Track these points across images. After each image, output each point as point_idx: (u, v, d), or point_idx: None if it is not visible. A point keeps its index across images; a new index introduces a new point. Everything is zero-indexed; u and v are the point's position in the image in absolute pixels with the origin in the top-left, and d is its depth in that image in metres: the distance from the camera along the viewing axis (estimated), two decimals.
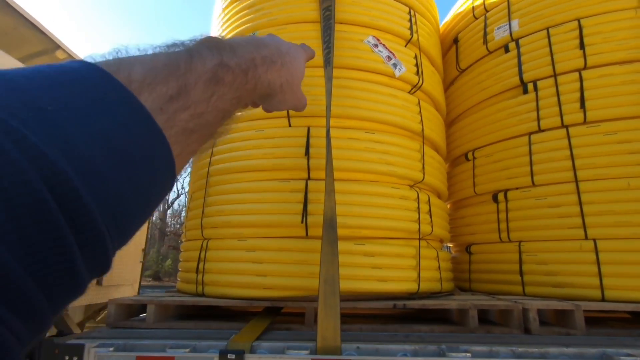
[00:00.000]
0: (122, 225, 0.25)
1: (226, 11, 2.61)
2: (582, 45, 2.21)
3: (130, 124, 0.25)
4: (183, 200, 24.58)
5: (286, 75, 0.46)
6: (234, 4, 2.55)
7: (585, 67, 2.19)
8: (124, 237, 0.26)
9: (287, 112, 2.08)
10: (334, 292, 1.57)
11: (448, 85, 3.07)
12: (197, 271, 2.06)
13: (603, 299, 1.91)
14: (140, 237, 3.76)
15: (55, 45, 3.65)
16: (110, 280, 3.23)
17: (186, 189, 24.79)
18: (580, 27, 2.23)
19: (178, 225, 23.98)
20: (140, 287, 3.90)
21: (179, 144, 0.30)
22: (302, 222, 1.89)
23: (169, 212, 24.52)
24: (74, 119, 0.22)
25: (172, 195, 24.90)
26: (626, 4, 2.19)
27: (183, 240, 2.48)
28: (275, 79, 0.43)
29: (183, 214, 24.19)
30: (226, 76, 0.35)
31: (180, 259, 2.39)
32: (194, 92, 0.31)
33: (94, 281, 3.10)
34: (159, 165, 0.27)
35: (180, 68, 0.31)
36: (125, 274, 3.46)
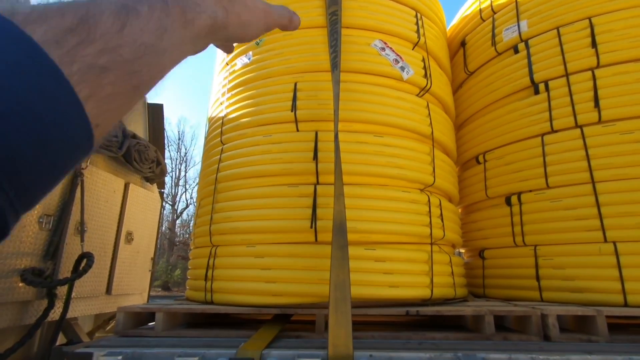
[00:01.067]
0: (21, 182, 0.21)
1: None
2: (594, 44, 2.16)
3: (13, 59, 0.21)
4: (192, 210, 24.74)
5: None
6: None
7: (598, 66, 2.15)
8: (26, 198, 0.22)
9: (295, 116, 2.07)
10: (344, 298, 1.53)
11: (456, 88, 3.04)
12: (205, 278, 2.04)
13: (625, 304, 1.83)
14: (149, 246, 3.77)
15: None
16: (120, 289, 3.23)
17: (195, 200, 24.97)
18: (591, 26, 2.19)
19: (187, 235, 24.10)
20: (150, 296, 3.89)
21: (86, 83, 0.25)
22: (311, 227, 1.86)
23: (177, 222, 24.68)
24: None
25: (181, 205, 25.08)
26: (638, 1, 2.15)
27: (192, 247, 2.46)
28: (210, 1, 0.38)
29: (192, 223, 24.34)
30: (139, 6, 0.31)
31: (189, 267, 2.38)
32: (100, 24, 0.27)
33: (104, 290, 3.10)
34: (59, 106, 0.23)
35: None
36: (134, 283, 3.45)
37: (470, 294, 2.56)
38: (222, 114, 2.41)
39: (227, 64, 2.57)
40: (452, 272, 2.13)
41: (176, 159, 26.22)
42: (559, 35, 2.29)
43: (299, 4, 2.32)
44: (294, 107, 2.08)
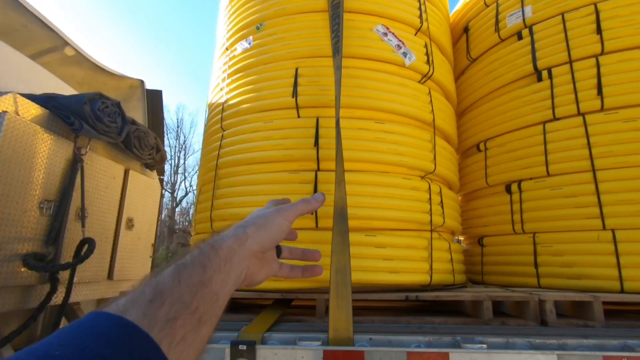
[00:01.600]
0: None
1: (233, 2, 2.59)
2: (599, 30, 2.14)
3: (122, 341, 0.31)
4: (191, 198, 24.78)
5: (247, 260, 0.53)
6: None
7: (602, 53, 2.13)
8: None
9: (296, 102, 2.06)
10: (345, 282, 1.54)
11: (458, 75, 3.01)
12: None
13: (622, 291, 1.86)
14: (150, 233, 3.78)
15: (64, 42, 3.67)
16: (121, 274, 3.25)
17: (194, 187, 24.98)
18: (597, 12, 2.16)
19: (186, 223, 24.19)
20: None
21: (165, 335, 0.35)
22: (312, 213, 1.87)
23: (177, 209, 24.75)
24: None
25: (180, 193, 25.10)
26: None
27: (192, 233, 2.48)
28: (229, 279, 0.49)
29: (191, 211, 24.40)
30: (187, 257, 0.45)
31: None
32: (166, 283, 0.39)
33: (105, 275, 3.12)
34: None
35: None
36: (136, 268, 3.48)
37: (469, 280, 2.59)
38: (222, 100, 2.39)
39: (227, 49, 2.54)
40: (451, 259, 2.15)
41: (175, 147, 26.12)
42: (564, 21, 2.26)
43: None
44: (295, 93, 2.07)
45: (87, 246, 2.57)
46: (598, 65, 2.10)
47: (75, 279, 2.66)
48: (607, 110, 2.06)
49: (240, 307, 2.17)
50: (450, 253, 2.16)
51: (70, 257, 2.64)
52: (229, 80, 2.39)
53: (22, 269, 2.24)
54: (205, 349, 0.41)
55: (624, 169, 1.96)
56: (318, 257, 0.75)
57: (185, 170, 26.14)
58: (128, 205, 3.43)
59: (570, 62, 2.20)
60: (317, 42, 2.16)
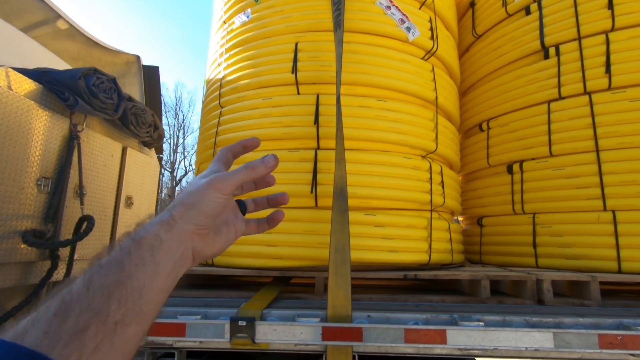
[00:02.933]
0: None
1: None
2: (610, 5, 2.06)
3: None
4: (191, 177, 24.76)
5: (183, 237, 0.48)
6: None
7: (612, 29, 2.06)
8: None
9: (296, 78, 2.00)
10: (344, 260, 1.54)
11: (463, 52, 2.93)
12: None
13: (619, 271, 1.87)
14: (149, 211, 3.79)
15: (57, 15, 3.55)
16: None
17: (194, 167, 24.91)
18: None
19: None
20: None
21: (74, 349, 0.33)
22: (311, 192, 1.85)
23: (177, 188, 24.78)
24: None
25: (179, 172, 25.07)
26: None
27: None
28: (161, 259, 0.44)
29: None
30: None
31: None
32: (75, 294, 0.37)
33: None
34: None
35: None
36: None
37: (467, 260, 2.61)
38: (220, 76, 2.33)
39: (225, 22, 2.45)
40: (450, 239, 2.16)
41: (174, 126, 25.88)
42: None
43: None
44: (294, 69, 2.01)
45: (86, 223, 2.57)
46: (608, 42, 2.04)
47: (75, 256, 2.68)
48: (614, 89, 2.01)
49: (240, 284, 2.19)
50: (450, 233, 2.16)
51: (70, 235, 2.65)
52: (227, 55, 2.32)
53: (22, 246, 2.24)
54: (138, 348, 0.39)
55: (628, 150, 1.93)
56: (286, 200, 0.67)
57: (184, 149, 26.01)
58: (127, 183, 3.41)
59: (579, 38, 2.14)
60: (318, 15, 2.08)
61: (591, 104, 2.04)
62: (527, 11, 2.39)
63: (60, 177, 2.54)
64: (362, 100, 1.98)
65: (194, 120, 27.86)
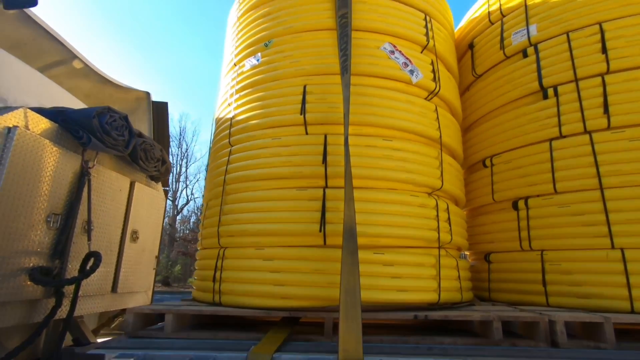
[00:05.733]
0: None
1: (242, 19, 2.62)
2: (604, 50, 2.16)
3: None
4: (192, 206, 24.74)
5: None
6: (250, 12, 2.56)
7: (608, 72, 2.15)
8: None
9: (304, 119, 2.07)
10: (355, 303, 1.53)
11: (464, 90, 3.03)
12: (213, 280, 2.05)
13: (632, 311, 1.84)
14: (154, 244, 3.77)
15: (73, 55, 3.71)
16: (125, 287, 3.23)
17: (195, 195, 24.96)
18: (602, 31, 2.19)
19: (187, 231, 24.11)
20: (153, 292, 3.90)
21: None
22: (320, 230, 1.87)
23: (178, 217, 24.70)
24: None
25: (181, 201, 25.08)
26: None
27: (199, 248, 2.47)
28: None
29: (192, 219, 24.33)
30: None
31: (196, 267, 2.39)
32: None
33: (109, 289, 3.11)
34: None
35: None
36: (139, 281, 3.46)
37: (476, 297, 2.58)
38: (230, 115, 2.41)
39: (236, 64, 2.57)
40: (459, 276, 2.14)
41: (177, 155, 26.19)
42: (569, 40, 2.29)
43: (309, 5, 2.32)
44: (303, 110, 2.08)
45: (93, 260, 2.56)
46: (604, 84, 2.12)
47: (79, 293, 2.65)
48: (613, 128, 2.07)
49: (247, 324, 2.16)
50: (458, 270, 2.15)
51: (76, 271, 2.63)
52: (237, 96, 2.41)
53: (28, 283, 2.23)
54: None
55: (632, 188, 1.96)
56: None
57: (187, 178, 26.18)
58: (133, 217, 3.43)
59: (576, 80, 2.22)
60: (325, 59, 2.19)
61: (592, 143, 2.09)
62: (525, 54, 2.50)
63: (70, 214, 2.57)
64: (369, 139, 2.04)
65: (197, 149, 28.24)
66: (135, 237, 3.45)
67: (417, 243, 2.03)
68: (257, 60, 2.37)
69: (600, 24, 2.21)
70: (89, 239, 2.73)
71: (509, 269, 2.41)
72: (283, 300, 1.83)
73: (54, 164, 2.46)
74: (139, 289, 3.51)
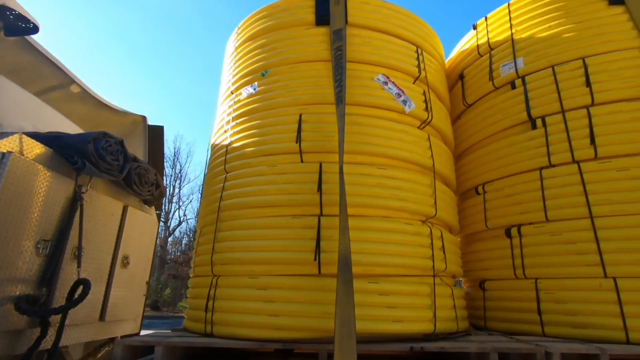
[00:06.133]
0: None
1: (239, 49, 2.70)
2: (588, 83, 2.25)
3: None
4: (184, 228, 24.41)
5: None
6: (248, 43, 2.64)
7: (592, 104, 2.23)
8: None
9: (300, 147, 2.10)
10: (350, 334, 1.51)
11: (455, 119, 3.11)
12: (206, 309, 2.01)
13: (628, 341, 1.84)
14: (145, 270, 3.69)
15: (71, 80, 3.76)
16: (114, 315, 3.14)
17: (188, 217, 24.68)
18: (585, 65, 2.29)
19: (179, 253, 23.67)
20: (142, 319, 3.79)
21: None
22: (315, 259, 1.86)
23: (170, 239, 24.31)
24: None
25: (174, 222, 24.76)
26: (629, 44, 2.26)
27: (191, 275, 2.44)
28: None
29: (184, 241, 23.95)
30: None
31: (188, 295, 2.34)
32: None
33: (97, 317, 3.02)
34: None
35: None
36: (129, 308, 3.36)
37: (472, 326, 2.55)
38: (226, 142, 2.44)
39: (232, 92, 2.62)
40: (454, 305, 2.13)
41: (171, 176, 26.05)
42: (554, 74, 2.38)
43: (305, 38, 2.40)
44: (298, 138, 2.12)
45: (81, 288, 2.50)
46: (589, 116, 2.20)
47: (66, 322, 2.56)
48: (600, 159, 2.13)
49: (240, 354, 2.10)
50: (453, 299, 2.13)
51: (63, 298, 2.56)
52: (234, 123, 2.45)
53: (14, 313, 2.16)
54: None
55: (622, 217, 2.00)
56: None
57: (180, 199, 25.96)
58: (125, 242, 3.38)
59: (563, 111, 2.30)
60: (321, 90, 2.24)
61: (581, 172, 2.14)
62: (513, 85, 2.60)
63: (60, 240, 2.52)
64: (364, 168, 2.07)
65: (191, 170, 28.20)
66: (126, 262, 3.39)
67: (412, 272, 2.02)
68: (254, 89, 2.43)
69: (583, 58, 2.31)
70: (79, 265, 2.67)
71: (504, 297, 2.40)
72: (277, 332, 1.79)
73: (46, 189, 2.44)
74: (128, 317, 3.41)
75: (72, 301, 2.42)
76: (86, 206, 2.80)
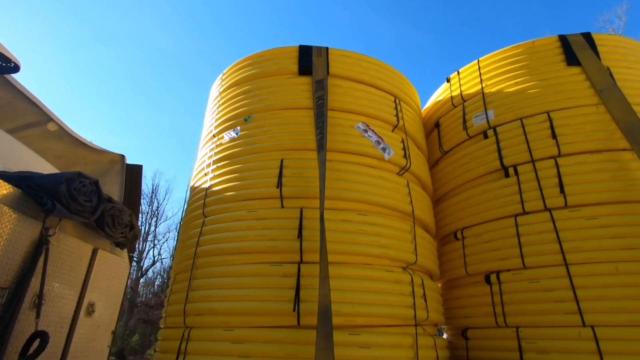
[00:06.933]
0: None
1: (223, 94, 2.75)
2: (554, 135, 2.39)
3: None
4: (158, 267, 23.30)
5: None
6: (232, 89, 2.70)
7: (559, 155, 2.35)
8: None
9: (280, 192, 2.10)
10: None
11: (432, 165, 3.21)
12: None
13: None
14: (111, 318, 3.45)
15: (48, 118, 3.70)
16: None
17: (163, 256, 23.68)
18: (550, 119, 2.44)
19: (150, 295, 22.35)
20: None
21: None
22: (294, 310, 1.79)
23: (142, 280, 23.05)
24: None
25: (147, 262, 23.64)
26: (587, 100, 2.44)
27: (162, 326, 2.29)
28: None
29: (157, 282, 22.78)
30: None
31: (157, 349, 2.18)
32: None
33: None
34: None
35: None
36: None
37: None
38: (206, 185, 2.41)
39: (215, 136, 2.63)
40: (437, 357, 2.07)
41: (147, 213, 25.24)
42: (523, 126, 2.53)
43: (288, 87, 2.48)
44: (279, 184, 2.12)
45: (38, 341, 2.29)
46: (557, 166, 2.31)
47: None
48: (570, 207, 2.22)
49: None
50: (436, 350, 2.08)
51: (17, 353, 2.33)
52: (214, 166, 2.44)
53: None
54: None
55: (595, 264, 2.04)
56: None
57: (155, 237, 25.00)
58: (91, 288, 3.16)
59: (533, 161, 2.42)
60: (302, 136, 2.29)
61: (553, 220, 2.21)
62: (485, 135, 2.73)
63: (19, 287, 2.34)
64: (344, 214, 2.07)
65: (168, 207, 27.44)
66: (91, 310, 3.15)
67: (394, 321, 1.97)
68: (236, 133, 2.45)
69: (548, 112, 2.48)
70: (38, 315, 2.47)
71: (487, 347, 2.35)
72: None
73: (10, 232, 2.30)
74: None
75: (26, 357, 2.20)
76: (53, 249, 2.64)
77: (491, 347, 2.32)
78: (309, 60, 2.50)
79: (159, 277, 23.08)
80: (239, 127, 2.46)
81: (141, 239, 23.92)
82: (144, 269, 23.47)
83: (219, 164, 2.43)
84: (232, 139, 2.44)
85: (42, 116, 3.69)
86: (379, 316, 1.91)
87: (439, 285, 2.91)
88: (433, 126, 3.28)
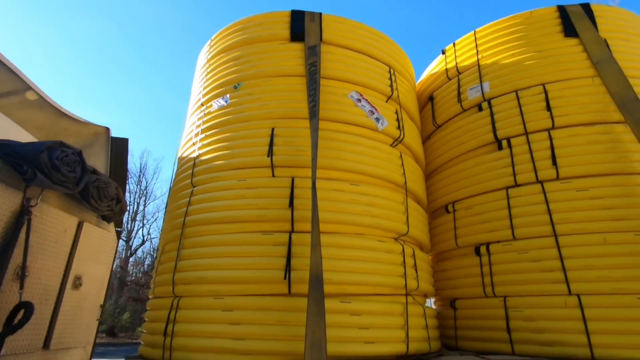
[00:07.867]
0: None
1: (212, 61, 2.64)
2: (548, 107, 2.37)
3: None
4: (147, 247, 23.22)
5: None
6: (221, 55, 2.59)
7: (553, 127, 2.34)
8: None
9: (271, 161, 2.04)
10: (321, 358, 1.43)
11: (425, 139, 3.18)
12: (165, 334, 1.85)
13: (592, 358, 1.86)
14: (99, 292, 3.41)
15: (27, 86, 3.52)
16: (61, 343, 2.84)
17: (152, 236, 23.57)
18: (545, 91, 2.42)
19: (140, 274, 22.37)
20: (94, 347, 3.46)
21: None
22: (285, 278, 1.78)
23: (131, 259, 22.98)
24: None
25: (136, 241, 23.51)
26: (584, 72, 2.41)
27: (150, 297, 2.26)
28: None
29: (147, 262, 22.77)
30: None
31: (146, 319, 2.16)
32: None
33: (41, 344, 2.71)
34: None
35: None
36: (78, 335, 3.06)
37: (443, 345, 2.52)
38: (194, 155, 2.33)
39: (203, 104, 2.54)
40: (427, 325, 2.10)
41: (136, 192, 24.91)
42: (518, 98, 2.50)
43: (279, 52, 2.38)
44: (270, 152, 2.06)
45: (22, 312, 2.24)
46: (551, 138, 2.31)
47: (2, 351, 2.28)
48: (562, 179, 2.22)
49: None
50: (425, 319, 2.10)
51: (1, 324, 2.29)
52: (203, 135, 2.36)
53: None
54: None
55: (583, 235, 2.07)
56: None
57: (144, 217, 24.78)
58: (77, 261, 3.10)
59: (526, 133, 2.40)
60: (294, 104, 2.22)
61: (544, 192, 2.22)
62: (480, 108, 2.70)
63: (1, 259, 2.27)
64: (337, 184, 2.03)
65: (157, 187, 27.14)
66: (77, 283, 3.10)
67: (385, 290, 1.98)
68: (226, 101, 2.36)
69: (543, 85, 2.45)
70: (21, 287, 2.41)
71: (475, 316, 2.40)
72: (243, 357, 1.67)
73: None
74: (76, 344, 3.10)
75: (10, 327, 2.16)
76: (36, 221, 2.56)
77: (478, 316, 2.36)
78: (301, 25, 2.40)
79: (148, 256, 23.01)
80: (228, 95, 2.37)
81: (129, 219, 23.70)
82: (133, 248, 23.37)
83: (207, 133, 2.35)
84: (221, 107, 2.35)
85: (20, 84, 3.51)
86: (370, 284, 1.91)
87: (430, 257, 2.94)
88: (427, 100, 3.23)
